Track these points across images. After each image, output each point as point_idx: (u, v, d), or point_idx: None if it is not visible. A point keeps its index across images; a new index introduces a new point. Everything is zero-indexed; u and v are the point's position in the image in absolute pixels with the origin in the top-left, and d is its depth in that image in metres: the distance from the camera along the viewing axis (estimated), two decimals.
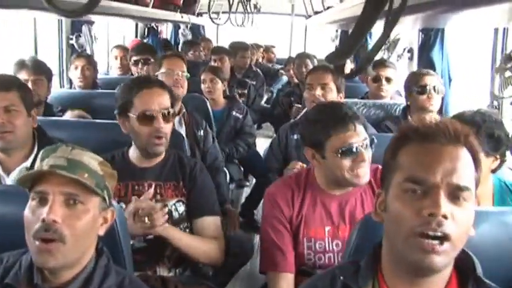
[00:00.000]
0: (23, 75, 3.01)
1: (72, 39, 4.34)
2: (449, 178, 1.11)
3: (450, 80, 3.72)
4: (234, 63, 5.66)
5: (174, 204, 2.16)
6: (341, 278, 1.27)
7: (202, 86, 4.06)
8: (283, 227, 1.96)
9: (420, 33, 3.80)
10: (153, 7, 5.65)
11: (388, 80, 3.71)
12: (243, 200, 4.42)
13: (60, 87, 4.33)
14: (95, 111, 3.19)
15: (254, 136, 4.21)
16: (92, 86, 3.98)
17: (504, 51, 3.17)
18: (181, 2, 6.89)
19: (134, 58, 4.10)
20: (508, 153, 2.07)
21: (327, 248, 1.96)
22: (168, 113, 2.19)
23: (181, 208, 2.17)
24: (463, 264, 1.21)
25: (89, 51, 4.44)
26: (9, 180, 2.16)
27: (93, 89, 3.95)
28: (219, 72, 4.16)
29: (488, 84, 3.24)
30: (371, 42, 4.64)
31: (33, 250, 1.34)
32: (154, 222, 1.96)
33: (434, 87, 3.05)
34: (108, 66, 5.56)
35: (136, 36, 6.57)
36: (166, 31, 7.89)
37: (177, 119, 3.09)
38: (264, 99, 6.62)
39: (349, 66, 5.05)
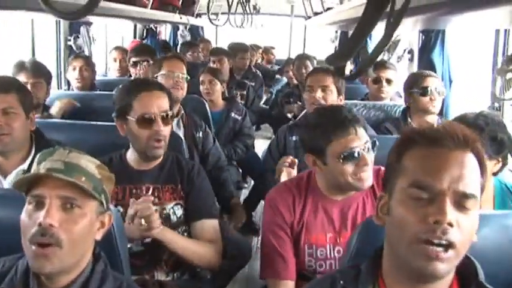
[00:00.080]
0: (21, 78, 2.99)
1: (70, 40, 4.32)
2: (456, 185, 1.09)
3: (451, 82, 3.71)
4: (233, 65, 5.65)
5: (172, 207, 2.15)
6: (341, 282, 1.26)
7: (201, 87, 4.05)
8: (285, 233, 1.93)
9: (421, 34, 3.79)
10: (151, 8, 5.64)
11: (389, 81, 3.70)
12: (241, 202, 4.40)
13: (58, 88, 4.31)
14: (93, 113, 3.17)
15: (253, 138, 4.20)
16: (90, 88, 3.96)
17: (506, 52, 3.16)
18: (180, 3, 6.87)
19: (133, 59, 4.08)
20: (509, 155, 2.06)
21: (328, 255, 1.93)
22: (167, 115, 2.17)
23: (180, 211, 2.15)
24: (464, 270, 1.19)
25: (87, 53, 4.42)
26: (6, 182, 2.15)
27: (91, 91, 3.93)
28: (218, 74, 4.15)
29: (487, 86, 3.23)
30: (371, 44, 4.62)
31: (30, 255, 1.33)
32: (151, 224, 1.93)
33: (436, 88, 3.04)
34: (107, 68, 5.54)
35: (134, 38, 6.55)
36: (165, 32, 7.87)
37: (175, 120, 3.07)
38: (263, 100, 6.61)
39: (348, 67, 5.04)
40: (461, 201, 1.10)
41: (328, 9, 6.17)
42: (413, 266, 1.11)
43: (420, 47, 3.82)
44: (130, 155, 2.21)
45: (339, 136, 1.83)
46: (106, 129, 2.54)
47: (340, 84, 2.92)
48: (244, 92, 5.42)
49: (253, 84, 5.84)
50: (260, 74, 6.44)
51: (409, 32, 4.07)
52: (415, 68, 3.96)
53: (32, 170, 1.40)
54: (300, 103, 4.33)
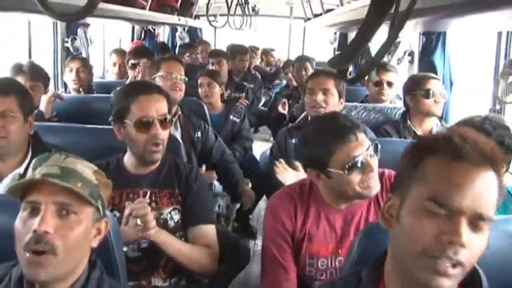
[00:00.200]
0: (19, 81, 2.96)
1: (67, 42, 4.29)
2: (476, 205, 1.04)
3: (451, 84, 3.69)
4: (232, 67, 5.62)
5: (170, 212, 2.11)
6: None
7: (200, 90, 4.04)
8: (285, 241, 1.88)
9: (421, 36, 3.77)
10: (150, 10, 5.61)
11: (390, 84, 3.68)
12: (238, 205, 4.37)
13: (55, 90, 4.27)
14: (90, 116, 3.13)
15: (251, 140, 4.18)
16: (88, 90, 3.93)
17: (508, 55, 3.14)
18: (179, 4, 6.84)
19: (132, 61, 4.06)
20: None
21: (329, 265, 1.89)
22: (166, 119, 2.14)
23: (177, 216, 2.12)
24: (469, 279, 1.16)
25: (84, 54, 4.39)
26: (2, 186, 2.12)
27: (89, 93, 3.90)
28: (217, 76, 4.13)
29: (488, 88, 3.21)
30: (372, 46, 4.60)
31: (24, 262, 1.30)
32: (146, 224, 1.90)
33: (438, 91, 3.01)
34: (104, 70, 5.51)
35: (132, 39, 6.53)
36: (163, 34, 7.85)
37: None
38: (262, 102, 6.59)
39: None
40: (476, 222, 1.05)
41: (328, 11, 6.14)
42: (419, 278, 1.07)
43: (421, 49, 3.80)
44: (128, 159, 2.18)
45: (340, 145, 1.76)
46: (103, 133, 2.51)
47: (342, 88, 2.89)
48: (243, 94, 5.40)
49: (252, 86, 5.82)
50: (259, 76, 6.42)
51: (409, 33, 4.05)
52: (415, 70, 3.94)
53: (27, 176, 1.37)
54: (298, 105, 4.31)
